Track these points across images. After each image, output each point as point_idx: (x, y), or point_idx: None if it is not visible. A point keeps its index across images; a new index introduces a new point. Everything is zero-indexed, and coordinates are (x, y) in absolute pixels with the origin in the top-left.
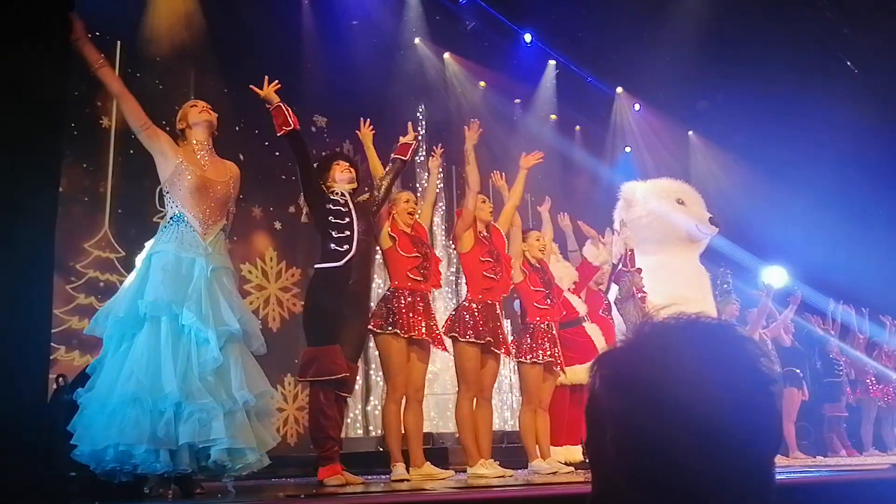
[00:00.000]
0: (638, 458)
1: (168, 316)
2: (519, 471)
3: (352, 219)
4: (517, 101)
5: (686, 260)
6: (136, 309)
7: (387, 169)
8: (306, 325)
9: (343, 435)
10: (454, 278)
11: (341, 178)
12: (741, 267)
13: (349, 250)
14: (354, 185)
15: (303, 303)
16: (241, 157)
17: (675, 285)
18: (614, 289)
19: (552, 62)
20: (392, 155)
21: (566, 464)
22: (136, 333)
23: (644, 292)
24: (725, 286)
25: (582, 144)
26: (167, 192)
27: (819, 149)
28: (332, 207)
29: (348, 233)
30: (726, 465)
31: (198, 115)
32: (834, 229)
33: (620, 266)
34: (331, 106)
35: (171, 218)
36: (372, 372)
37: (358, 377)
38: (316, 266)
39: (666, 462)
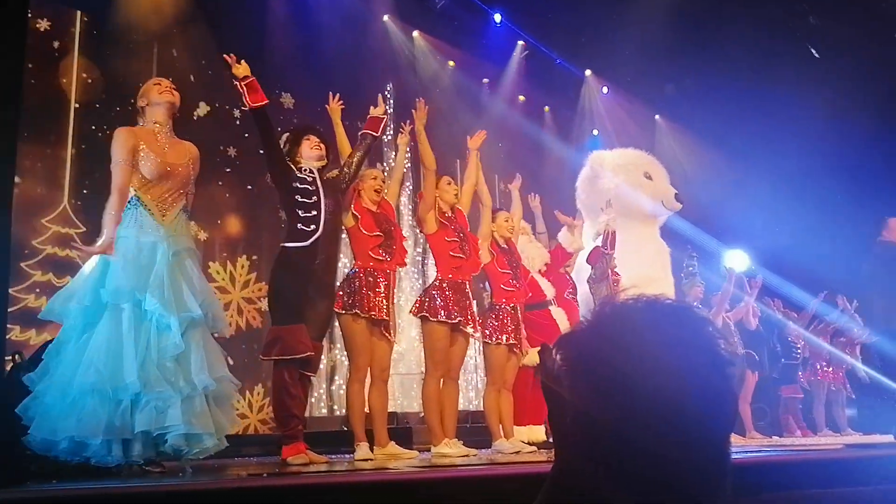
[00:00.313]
0: (596, 437)
1: (130, 303)
2: (482, 450)
3: (319, 197)
4: (485, 80)
5: (647, 235)
6: (99, 297)
7: (356, 145)
8: (271, 304)
9: (307, 414)
10: (420, 258)
11: (310, 154)
12: (704, 250)
13: (316, 230)
14: (324, 163)
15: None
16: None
17: (638, 262)
18: (586, 268)
19: (521, 43)
20: (362, 130)
21: (529, 443)
22: (97, 322)
23: (618, 274)
24: (690, 269)
25: (550, 127)
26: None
27: (782, 134)
28: (299, 186)
29: (315, 212)
30: (683, 446)
31: (159, 95)
32: (795, 214)
33: (600, 246)
34: (297, 84)
35: (129, 201)
36: (336, 351)
37: (322, 356)
38: (282, 244)
39: (623, 442)
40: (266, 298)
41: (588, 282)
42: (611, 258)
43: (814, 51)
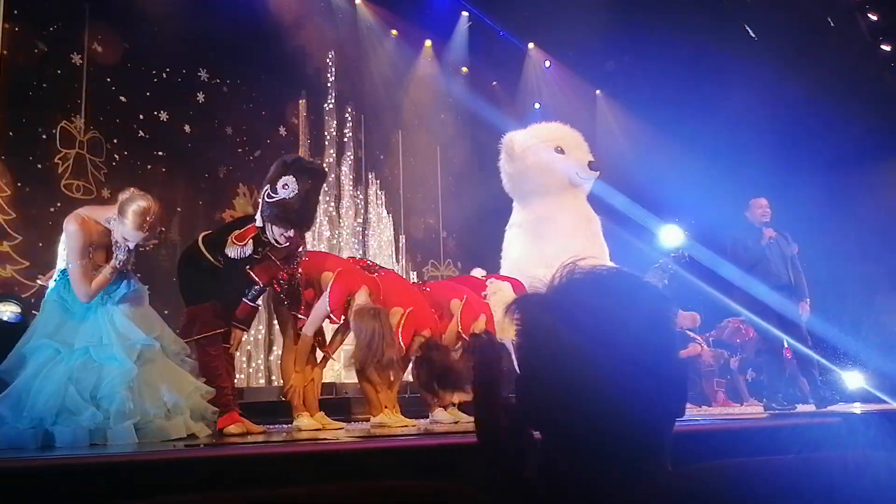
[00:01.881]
0: (535, 401)
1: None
2: (421, 420)
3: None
4: (427, 42)
5: (571, 208)
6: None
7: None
8: (182, 287)
9: (245, 385)
10: (361, 229)
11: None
12: (640, 226)
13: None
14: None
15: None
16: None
17: (563, 235)
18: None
19: (465, 14)
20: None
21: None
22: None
23: None
24: (664, 262)
25: (493, 99)
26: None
27: (718, 111)
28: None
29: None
30: (623, 416)
31: (135, 231)
32: (728, 191)
33: None
34: (236, 55)
35: (60, 271)
36: (274, 323)
37: (260, 327)
38: (202, 236)
39: (562, 408)
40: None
41: None
42: None
43: (750, 31)
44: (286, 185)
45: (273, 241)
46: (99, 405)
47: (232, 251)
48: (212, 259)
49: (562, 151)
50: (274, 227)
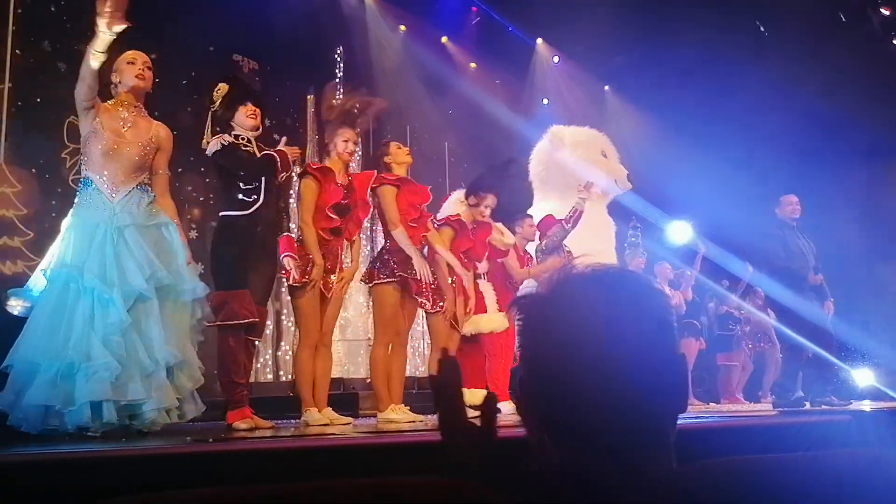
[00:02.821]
0: (539, 399)
1: (74, 281)
2: (429, 416)
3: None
4: (444, 38)
5: (595, 212)
6: (47, 276)
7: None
8: (213, 270)
9: (253, 380)
10: (369, 224)
11: (244, 122)
12: (647, 221)
13: (257, 199)
14: (259, 133)
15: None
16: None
17: (586, 237)
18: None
19: (473, 9)
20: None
21: (470, 407)
22: (44, 297)
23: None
24: (634, 239)
25: (501, 95)
26: (82, 151)
27: (728, 107)
28: (246, 157)
29: (256, 183)
30: (625, 414)
31: (133, 78)
32: (738, 187)
33: (563, 219)
34: (244, 49)
35: (81, 181)
36: (283, 317)
37: (269, 322)
38: (222, 214)
39: (564, 407)
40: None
41: (536, 252)
42: (566, 234)
43: (761, 26)
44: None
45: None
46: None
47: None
48: None
49: (605, 156)
50: None
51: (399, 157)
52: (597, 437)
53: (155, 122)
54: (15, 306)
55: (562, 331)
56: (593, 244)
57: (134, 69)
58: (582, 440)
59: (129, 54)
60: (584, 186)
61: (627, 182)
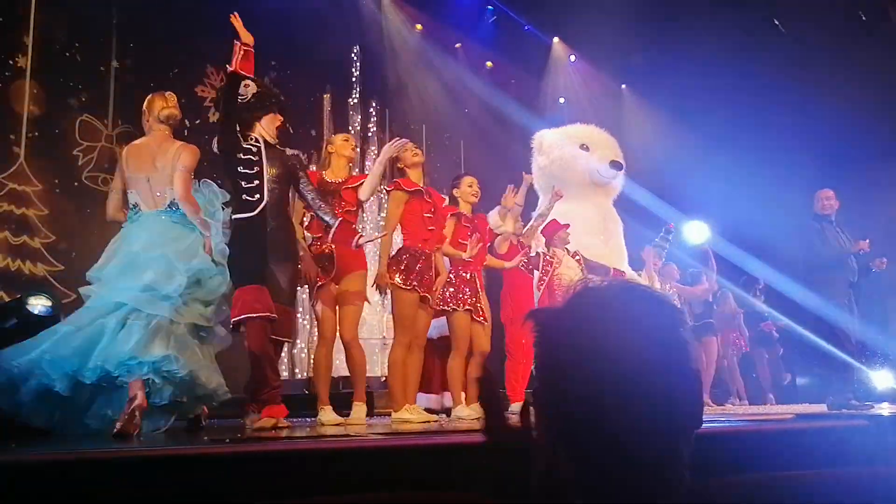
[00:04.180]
0: (553, 411)
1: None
2: (442, 416)
3: (261, 167)
4: (458, 45)
5: (591, 206)
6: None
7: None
8: (231, 269)
9: None
10: (384, 223)
11: (269, 131)
12: (662, 220)
13: (261, 199)
14: (275, 142)
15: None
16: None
17: (580, 233)
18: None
19: (490, 7)
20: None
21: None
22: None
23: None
24: (660, 241)
25: (516, 94)
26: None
27: (745, 107)
28: (243, 157)
29: (257, 182)
30: (639, 430)
31: (162, 111)
32: (755, 187)
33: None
34: (260, 49)
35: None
36: (299, 316)
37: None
38: (232, 216)
39: (578, 420)
40: None
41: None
42: (563, 233)
43: (780, 26)
44: None
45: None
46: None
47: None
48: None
49: (587, 149)
50: None
51: (415, 156)
52: (609, 451)
53: (178, 142)
54: (35, 305)
55: (577, 344)
56: (585, 239)
57: (165, 104)
58: (595, 453)
59: (159, 94)
60: (554, 193)
61: (612, 168)
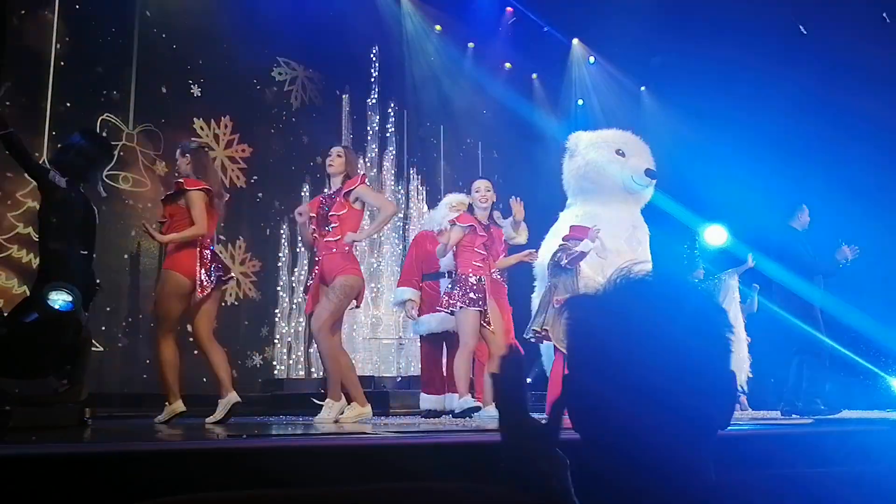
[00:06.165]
0: (581, 403)
1: None
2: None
3: None
4: (470, 44)
5: (620, 211)
6: None
7: None
8: None
9: (285, 376)
10: (402, 224)
11: None
12: (680, 224)
13: None
14: None
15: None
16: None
17: (605, 237)
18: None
19: (509, 9)
20: None
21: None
22: None
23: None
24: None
25: (536, 95)
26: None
27: (766, 110)
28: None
29: None
30: (668, 424)
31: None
32: (775, 190)
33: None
34: (283, 48)
35: None
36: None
37: (300, 320)
38: None
39: (606, 411)
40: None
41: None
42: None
43: (801, 27)
44: None
45: None
46: None
47: None
48: None
49: (622, 155)
50: None
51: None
52: (635, 444)
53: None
54: (56, 300)
55: (610, 336)
56: (611, 243)
57: None
58: (620, 445)
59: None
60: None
61: (645, 177)
